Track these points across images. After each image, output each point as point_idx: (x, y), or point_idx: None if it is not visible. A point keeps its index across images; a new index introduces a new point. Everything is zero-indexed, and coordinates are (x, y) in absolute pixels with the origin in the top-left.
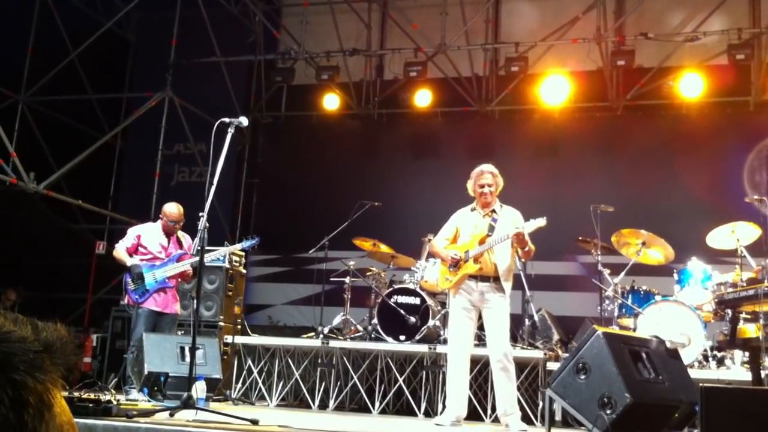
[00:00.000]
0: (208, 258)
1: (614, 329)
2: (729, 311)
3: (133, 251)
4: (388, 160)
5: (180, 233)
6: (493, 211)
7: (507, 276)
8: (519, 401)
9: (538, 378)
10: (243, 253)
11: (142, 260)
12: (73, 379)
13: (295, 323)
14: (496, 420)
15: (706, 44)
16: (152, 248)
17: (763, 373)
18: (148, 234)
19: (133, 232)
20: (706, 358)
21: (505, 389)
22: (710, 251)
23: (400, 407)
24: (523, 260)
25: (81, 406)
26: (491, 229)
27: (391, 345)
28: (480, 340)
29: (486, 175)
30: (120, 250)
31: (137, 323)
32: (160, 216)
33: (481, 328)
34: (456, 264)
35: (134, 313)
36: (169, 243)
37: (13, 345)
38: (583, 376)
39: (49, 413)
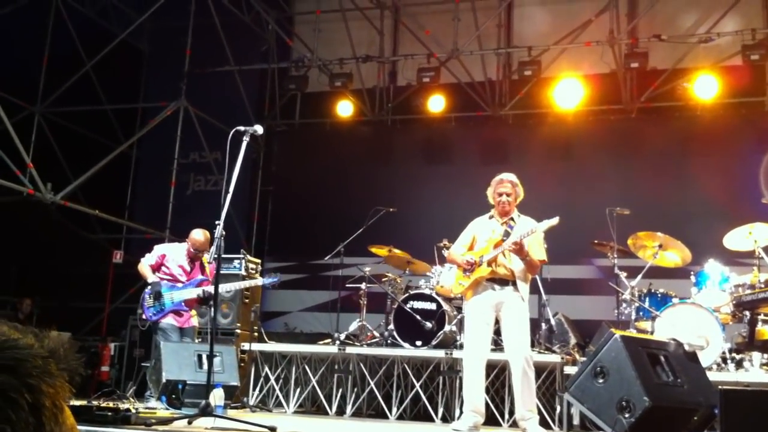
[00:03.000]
0: (225, 288)
1: (632, 332)
2: (747, 313)
3: (156, 269)
4: (402, 165)
5: (205, 257)
6: (512, 219)
7: (524, 278)
8: (537, 406)
9: (556, 382)
10: (258, 261)
11: (162, 278)
12: (76, 384)
13: (311, 330)
14: (513, 425)
15: (720, 45)
16: (174, 270)
17: None
18: (173, 255)
19: (158, 251)
20: (724, 360)
21: (525, 394)
22: (727, 253)
23: (417, 413)
24: (528, 279)
25: (100, 415)
26: (507, 234)
27: (407, 350)
28: (497, 345)
29: (505, 184)
30: (144, 265)
31: (163, 337)
32: (187, 239)
33: (497, 333)
34: (471, 268)
35: (157, 328)
36: (192, 268)
37: (23, 351)
38: (601, 380)
39: (62, 416)
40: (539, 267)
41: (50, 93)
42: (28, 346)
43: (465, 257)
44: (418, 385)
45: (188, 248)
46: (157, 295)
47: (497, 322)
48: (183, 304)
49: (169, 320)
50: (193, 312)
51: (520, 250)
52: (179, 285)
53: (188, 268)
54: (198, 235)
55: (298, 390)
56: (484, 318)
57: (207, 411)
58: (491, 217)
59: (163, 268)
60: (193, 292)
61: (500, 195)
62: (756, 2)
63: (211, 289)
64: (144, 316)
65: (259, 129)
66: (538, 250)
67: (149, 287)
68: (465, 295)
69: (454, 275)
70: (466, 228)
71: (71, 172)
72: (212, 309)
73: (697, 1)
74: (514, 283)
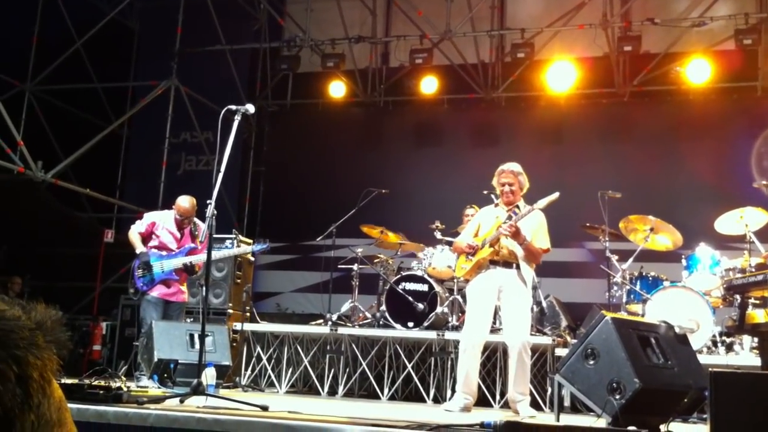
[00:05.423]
0: (216, 255)
1: (623, 315)
2: (737, 297)
3: (146, 236)
4: (394, 147)
5: (196, 221)
6: (517, 206)
7: (528, 262)
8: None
9: (547, 364)
10: (250, 241)
11: (152, 247)
12: (63, 357)
13: (303, 310)
14: (504, 405)
15: (713, 29)
16: (164, 238)
17: None
18: (163, 223)
19: (148, 218)
20: (714, 343)
21: (518, 378)
22: (718, 237)
23: (408, 393)
24: (532, 265)
25: (91, 393)
26: (510, 219)
27: (399, 332)
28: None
29: (506, 174)
30: (134, 233)
31: (147, 310)
32: (173, 206)
33: (494, 314)
34: (472, 252)
35: (143, 300)
36: (182, 235)
37: (10, 323)
38: (591, 362)
39: (49, 388)
40: (541, 255)
41: (40, 71)
42: (15, 317)
43: (467, 242)
44: (409, 366)
45: (174, 215)
46: (146, 266)
47: (497, 309)
48: (173, 273)
49: (155, 293)
50: (184, 287)
51: (516, 234)
52: (167, 253)
53: (179, 236)
54: (184, 202)
55: (290, 370)
56: (486, 302)
57: (199, 390)
58: (497, 205)
59: (153, 236)
60: (183, 261)
61: (503, 185)
62: None
63: (196, 259)
64: (136, 286)
65: (250, 108)
66: (542, 238)
67: (137, 258)
68: (468, 277)
69: (448, 257)
70: (474, 217)
71: (62, 151)
72: (204, 288)
73: None
74: (518, 266)
